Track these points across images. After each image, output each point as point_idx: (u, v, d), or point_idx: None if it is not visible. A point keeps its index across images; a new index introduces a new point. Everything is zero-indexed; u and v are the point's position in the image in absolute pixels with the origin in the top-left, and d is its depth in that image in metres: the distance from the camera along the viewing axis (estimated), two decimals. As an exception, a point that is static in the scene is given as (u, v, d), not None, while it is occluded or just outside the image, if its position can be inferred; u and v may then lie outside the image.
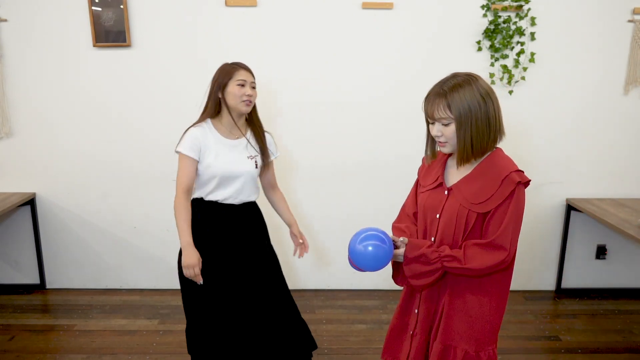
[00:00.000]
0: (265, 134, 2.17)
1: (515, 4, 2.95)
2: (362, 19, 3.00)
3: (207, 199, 2.06)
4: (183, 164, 2.00)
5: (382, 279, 3.39)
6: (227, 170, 2.02)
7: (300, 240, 2.27)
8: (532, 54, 3.02)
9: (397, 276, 1.65)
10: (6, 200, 3.02)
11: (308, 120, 3.13)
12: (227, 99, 2.02)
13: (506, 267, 1.48)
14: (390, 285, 3.39)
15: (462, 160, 1.48)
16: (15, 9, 2.96)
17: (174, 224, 3.28)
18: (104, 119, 3.12)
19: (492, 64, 3.04)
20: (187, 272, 1.99)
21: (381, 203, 3.25)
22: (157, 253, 3.32)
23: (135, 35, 3.00)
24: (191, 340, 2.15)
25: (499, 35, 2.99)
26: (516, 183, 1.42)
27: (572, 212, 3.24)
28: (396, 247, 1.54)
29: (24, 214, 3.26)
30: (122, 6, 2.92)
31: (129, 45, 3.00)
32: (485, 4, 2.96)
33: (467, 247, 1.47)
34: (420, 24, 3.01)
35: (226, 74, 2.02)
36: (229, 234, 2.08)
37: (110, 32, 2.96)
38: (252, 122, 2.14)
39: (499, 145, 1.52)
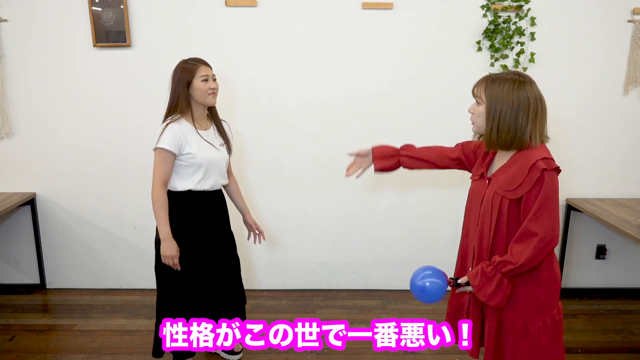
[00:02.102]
0: (222, 122, 2.35)
1: (515, 4, 2.95)
2: (362, 19, 3.00)
3: (195, 189, 2.20)
4: (163, 158, 2.12)
5: (382, 279, 3.39)
6: (211, 158, 2.19)
7: (257, 231, 2.54)
8: (532, 54, 3.02)
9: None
10: (6, 200, 3.02)
11: (308, 119, 3.13)
12: (194, 95, 2.17)
13: (553, 247, 1.56)
14: (390, 285, 3.39)
15: (488, 144, 1.61)
16: (15, 9, 2.96)
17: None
18: (104, 119, 3.12)
19: (492, 64, 3.04)
20: (166, 262, 2.15)
21: (383, 201, 3.26)
22: (157, 253, 3.32)
23: (135, 35, 3.00)
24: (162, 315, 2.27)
25: (499, 36, 2.99)
26: (541, 170, 1.51)
27: (572, 212, 3.24)
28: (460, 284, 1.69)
29: (24, 214, 3.26)
30: (122, 6, 2.92)
31: (129, 45, 3.00)
32: (485, 4, 2.96)
33: (512, 247, 1.57)
34: (420, 24, 3.01)
35: (188, 72, 2.15)
36: (213, 218, 2.30)
37: (111, 32, 2.96)
38: (211, 112, 2.31)
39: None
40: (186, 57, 2.25)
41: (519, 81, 1.56)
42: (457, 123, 3.13)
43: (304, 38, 3.02)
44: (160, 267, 2.23)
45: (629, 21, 3.02)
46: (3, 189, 3.22)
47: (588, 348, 2.74)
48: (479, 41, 3.02)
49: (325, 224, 3.30)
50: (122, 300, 3.25)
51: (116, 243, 3.33)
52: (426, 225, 3.32)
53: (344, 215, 3.28)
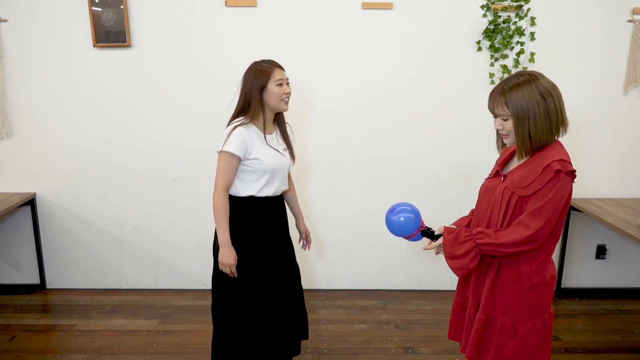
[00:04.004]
0: (287, 125, 2.24)
1: (515, 4, 2.95)
2: (362, 19, 3.00)
3: (258, 195, 2.10)
4: (227, 162, 2.02)
5: (382, 279, 3.39)
6: (276, 164, 2.09)
7: (304, 241, 2.44)
8: (532, 54, 3.02)
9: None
10: (6, 200, 3.02)
11: (307, 120, 3.13)
12: (268, 100, 2.05)
13: (533, 248, 1.56)
14: (390, 285, 3.39)
15: (522, 152, 1.59)
16: (15, 9, 2.96)
17: (174, 224, 3.30)
18: (104, 119, 3.12)
19: (492, 64, 3.04)
20: (223, 269, 2.06)
21: (383, 202, 3.25)
22: (157, 253, 3.33)
23: (135, 35, 3.00)
24: (221, 341, 2.19)
25: (499, 35, 2.99)
26: (555, 171, 1.50)
27: (572, 212, 3.24)
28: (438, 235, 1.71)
29: (24, 214, 3.26)
30: (122, 6, 2.92)
31: (129, 46, 3.00)
32: (485, 4, 2.96)
33: (500, 229, 1.59)
34: (420, 24, 3.01)
35: (264, 75, 2.03)
36: (274, 224, 2.19)
37: (111, 32, 2.96)
38: (278, 116, 2.19)
39: (563, 137, 1.62)
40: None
41: (532, 79, 1.56)
42: (457, 123, 3.14)
43: (303, 38, 3.02)
44: (219, 275, 2.15)
45: (629, 21, 3.02)
46: (3, 189, 3.22)
47: (588, 348, 2.74)
48: (479, 41, 3.02)
49: (324, 224, 3.30)
50: (122, 300, 3.25)
51: (116, 243, 3.33)
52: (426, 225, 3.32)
53: (344, 215, 3.28)
